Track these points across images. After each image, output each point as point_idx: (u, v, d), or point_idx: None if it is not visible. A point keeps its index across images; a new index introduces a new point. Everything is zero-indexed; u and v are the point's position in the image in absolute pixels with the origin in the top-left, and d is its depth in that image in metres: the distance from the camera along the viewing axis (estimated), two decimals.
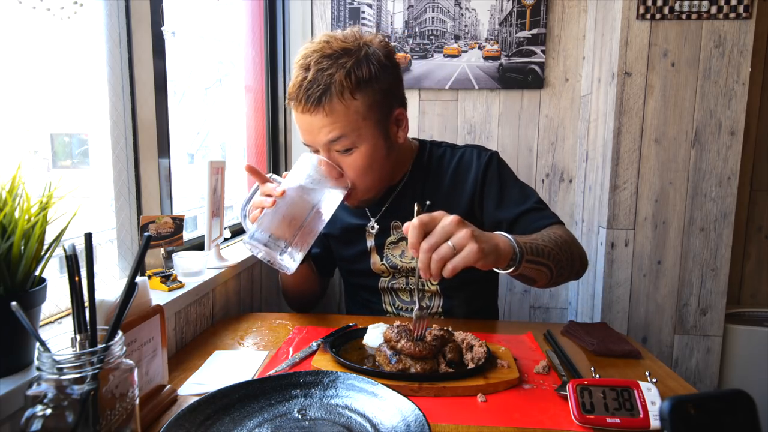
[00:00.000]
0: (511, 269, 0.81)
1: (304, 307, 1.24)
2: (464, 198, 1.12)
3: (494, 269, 0.80)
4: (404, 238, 1.15)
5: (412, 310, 1.16)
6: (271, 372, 0.79)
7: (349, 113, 0.97)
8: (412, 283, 1.18)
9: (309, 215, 0.93)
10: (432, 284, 1.16)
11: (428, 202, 1.09)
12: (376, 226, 1.16)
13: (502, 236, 0.81)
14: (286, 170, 2.05)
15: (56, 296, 0.81)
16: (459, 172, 1.14)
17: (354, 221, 1.20)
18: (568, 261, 0.96)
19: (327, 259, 1.28)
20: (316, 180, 0.97)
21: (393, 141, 1.07)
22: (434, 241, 0.71)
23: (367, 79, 0.97)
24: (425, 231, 0.72)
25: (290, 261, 0.91)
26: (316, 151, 1.04)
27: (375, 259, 1.19)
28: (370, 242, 1.18)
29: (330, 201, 0.98)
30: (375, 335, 0.87)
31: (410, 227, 0.72)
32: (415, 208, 0.77)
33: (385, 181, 1.11)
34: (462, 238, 0.71)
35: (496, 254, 0.76)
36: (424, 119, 1.97)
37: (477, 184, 1.12)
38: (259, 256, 0.90)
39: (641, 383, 0.68)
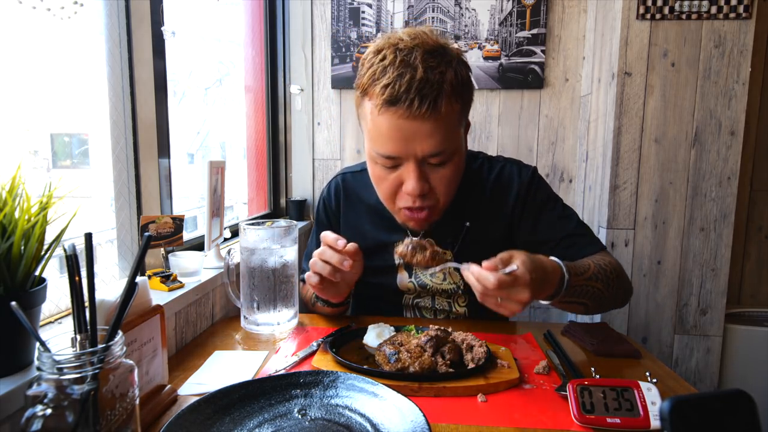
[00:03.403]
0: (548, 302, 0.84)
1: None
2: (504, 217, 1.05)
3: None
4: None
5: None
6: (272, 372, 0.79)
7: (452, 118, 0.85)
8: (438, 303, 1.09)
9: (275, 271, 0.97)
10: (459, 306, 1.09)
11: (467, 224, 1.05)
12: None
13: (554, 273, 0.79)
14: (286, 171, 2.06)
15: (56, 296, 0.81)
16: (499, 188, 1.05)
17: (385, 237, 1.08)
18: (611, 298, 0.91)
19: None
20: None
21: (465, 150, 0.99)
22: (491, 295, 0.74)
23: (466, 80, 0.88)
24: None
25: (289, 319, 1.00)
26: (395, 167, 0.89)
27: (402, 276, 1.09)
28: (399, 258, 1.02)
29: (290, 250, 0.99)
30: (375, 335, 0.87)
31: (486, 280, 0.71)
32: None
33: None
34: (514, 304, 0.74)
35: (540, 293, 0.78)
36: None
37: (518, 204, 1.04)
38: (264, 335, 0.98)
39: (641, 383, 0.68)
